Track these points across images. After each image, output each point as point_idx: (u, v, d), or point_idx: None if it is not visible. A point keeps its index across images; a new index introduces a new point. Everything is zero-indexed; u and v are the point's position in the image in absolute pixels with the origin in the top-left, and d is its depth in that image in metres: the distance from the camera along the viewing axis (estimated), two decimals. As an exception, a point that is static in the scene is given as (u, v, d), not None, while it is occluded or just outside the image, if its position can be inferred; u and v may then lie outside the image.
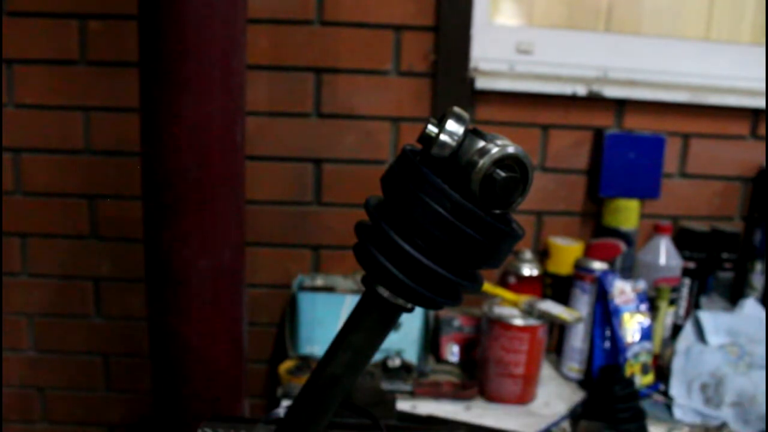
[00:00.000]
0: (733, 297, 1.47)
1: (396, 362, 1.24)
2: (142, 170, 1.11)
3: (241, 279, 1.19)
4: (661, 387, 1.27)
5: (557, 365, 1.37)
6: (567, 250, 1.43)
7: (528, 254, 1.41)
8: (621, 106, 1.47)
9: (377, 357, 1.03)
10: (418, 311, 1.36)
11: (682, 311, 1.43)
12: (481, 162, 0.41)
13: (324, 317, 1.34)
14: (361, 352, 0.48)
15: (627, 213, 1.44)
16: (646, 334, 1.27)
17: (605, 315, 1.27)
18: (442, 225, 0.41)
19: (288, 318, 1.42)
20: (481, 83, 1.41)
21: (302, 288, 1.41)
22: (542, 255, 1.50)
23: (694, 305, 1.45)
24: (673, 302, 1.37)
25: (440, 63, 1.40)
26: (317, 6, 1.39)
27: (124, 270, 1.51)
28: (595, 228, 1.50)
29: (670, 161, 1.49)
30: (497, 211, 0.42)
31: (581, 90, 1.42)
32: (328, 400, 0.49)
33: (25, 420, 1.62)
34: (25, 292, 1.53)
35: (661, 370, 1.30)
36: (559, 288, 1.42)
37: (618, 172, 1.45)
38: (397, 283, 0.44)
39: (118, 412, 1.61)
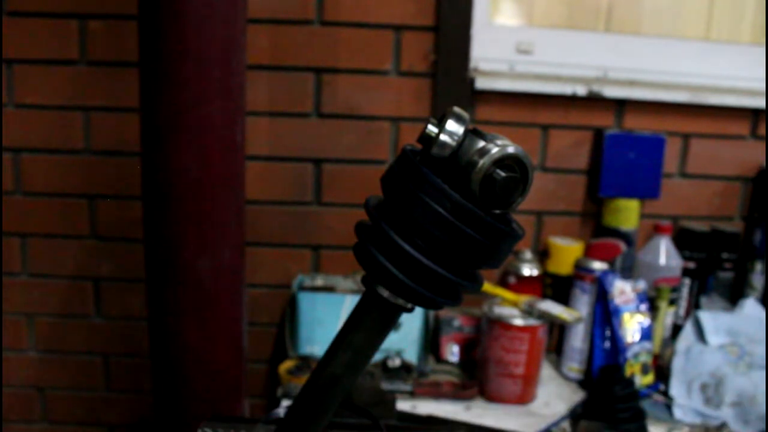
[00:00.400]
0: (733, 297, 1.47)
1: (396, 362, 1.24)
2: (142, 170, 1.11)
3: (241, 279, 1.19)
4: (661, 387, 1.27)
5: (557, 365, 1.37)
6: (567, 250, 1.43)
7: (528, 254, 1.41)
8: (621, 106, 1.47)
9: (377, 357, 1.03)
10: (418, 311, 1.36)
11: (682, 311, 1.43)
12: (481, 162, 0.41)
13: (324, 317, 1.34)
14: (361, 352, 0.48)
15: (627, 213, 1.44)
16: (646, 334, 1.27)
17: (605, 315, 1.27)
18: (442, 225, 0.41)
19: (288, 318, 1.42)
20: (481, 83, 1.41)
21: (302, 288, 1.41)
22: (542, 255, 1.50)
23: (694, 305, 1.45)
24: (673, 302, 1.37)
25: (440, 63, 1.40)
26: (317, 6, 1.39)
27: (124, 270, 1.51)
28: (595, 228, 1.50)
29: (670, 161, 1.49)
30: (497, 211, 0.42)
31: (581, 90, 1.42)
32: (328, 400, 0.49)
33: (25, 420, 1.62)
34: (25, 292, 1.53)
35: (661, 370, 1.30)
36: (559, 288, 1.42)
37: (618, 172, 1.45)
38: (397, 283, 0.44)
39: (118, 412, 1.61)
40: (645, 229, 1.47)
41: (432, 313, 1.40)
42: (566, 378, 1.34)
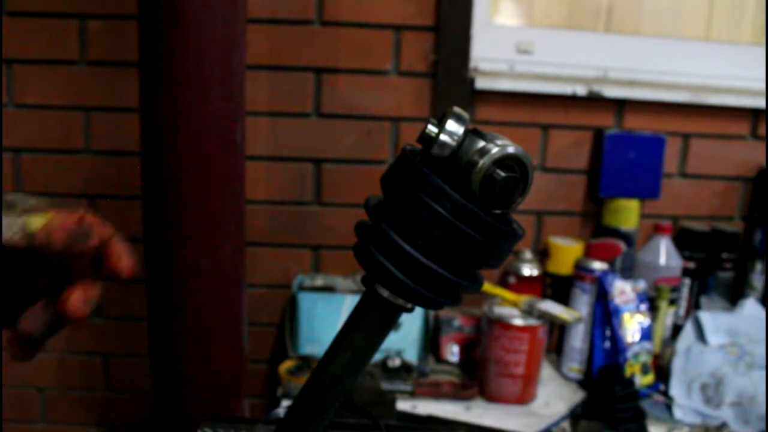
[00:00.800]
0: (733, 297, 1.47)
1: (396, 362, 1.24)
2: (142, 170, 1.11)
3: (241, 279, 1.19)
4: (661, 387, 1.27)
5: (557, 365, 1.37)
6: (567, 250, 1.43)
7: (528, 254, 1.41)
8: (621, 106, 1.47)
9: (377, 357, 1.03)
10: (418, 311, 1.36)
11: (682, 311, 1.43)
12: (481, 162, 0.41)
13: (324, 317, 1.34)
14: (361, 352, 0.48)
15: (627, 213, 1.44)
16: (646, 334, 1.27)
17: (605, 315, 1.27)
18: (442, 225, 0.41)
19: (288, 318, 1.42)
20: (481, 83, 1.41)
21: (302, 288, 1.41)
22: (542, 255, 1.50)
23: (694, 305, 1.45)
24: (673, 302, 1.37)
25: (440, 63, 1.40)
26: (317, 6, 1.39)
27: (124, 270, 1.51)
28: (595, 228, 1.50)
29: (670, 161, 1.49)
30: (497, 211, 0.42)
31: (581, 90, 1.42)
32: (328, 400, 0.49)
33: (25, 420, 1.62)
34: (25, 292, 1.53)
35: (661, 370, 1.30)
36: (559, 288, 1.42)
37: (618, 172, 1.45)
38: (397, 283, 0.44)
39: (118, 412, 1.61)
40: (645, 229, 1.47)
41: (432, 313, 1.40)
42: (566, 378, 1.34)
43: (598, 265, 1.30)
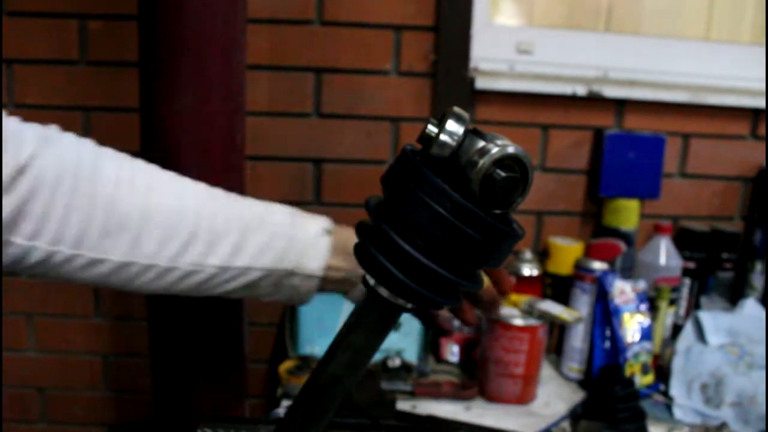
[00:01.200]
0: (733, 297, 1.47)
1: (396, 362, 1.24)
2: (142, 170, 1.11)
3: (241, 279, 1.18)
4: (661, 387, 1.27)
5: (557, 365, 1.37)
6: (567, 250, 1.43)
7: (528, 254, 1.41)
8: (621, 106, 1.47)
9: (377, 357, 1.02)
10: (418, 311, 1.35)
11: (682, 311, 1.43)
12: (481, 162, 0.41)
13: (324, 317, 1.34)
14: (361, 352, 0.48)
15: (627, 213, 1.44)
16: (646, 334, 1.27)
17: (605, 315, 1.27)
18: (442, 225, 0.41)
19: (288, 318, 1.42)
20: (481, 83, 1.41)
21: (302, 288, 1.41)
22: (542, 255, 1.50)
23: (694, 305, 1.45)
24: (673, 302, 1.37)
25: (440, 63, 1.41)
26: (317, 6, 1.39)
27: (124, 270, 1.51)
28: (595, 228, 1.51)
29: (670, 161, 1.49)
30: (497, 211, 0.42)
31: (581, 90, 1.42)
32: (328, 400, 0.49)
33: (25, 420, 1.62)
34: (25, 292, 1.53)
35: (661, 370, 1.30)
36: (559, 288, 1.42)
37: (618, 172, 1.45)
38: (397, 283, 0.44)
39: (118, 412, 1.61)
40: (645, 229, 1.47)
41: (432, 313, 1.40)
42: (566, 378, 1.34)
43: (598, 265, 1.30)
